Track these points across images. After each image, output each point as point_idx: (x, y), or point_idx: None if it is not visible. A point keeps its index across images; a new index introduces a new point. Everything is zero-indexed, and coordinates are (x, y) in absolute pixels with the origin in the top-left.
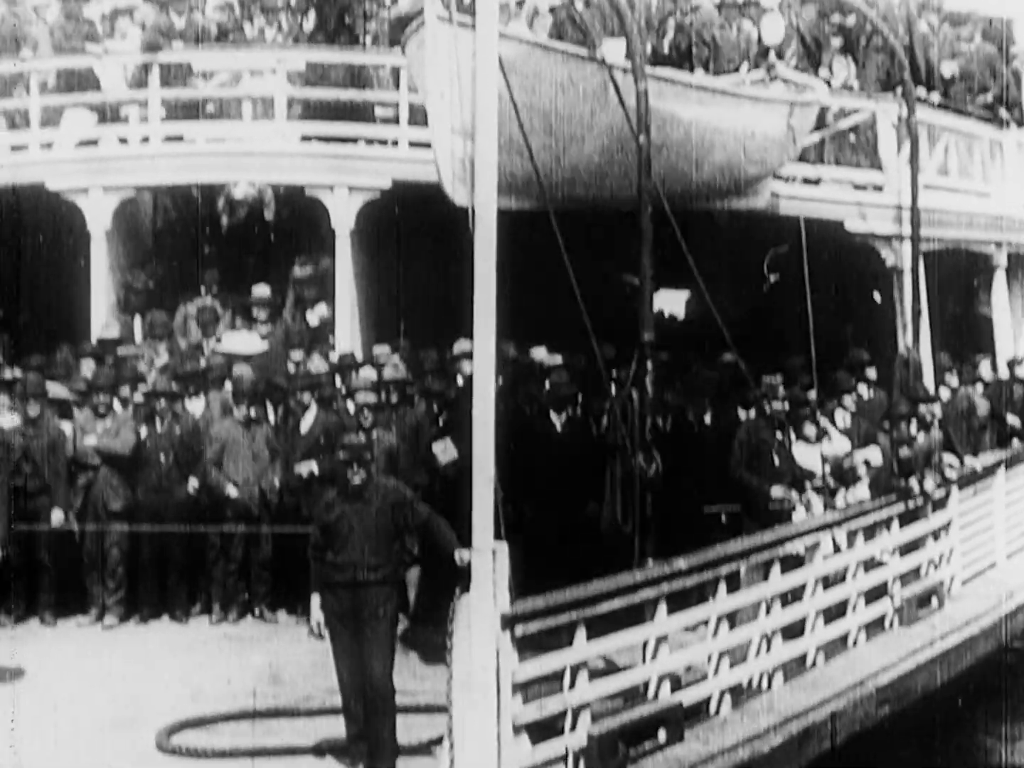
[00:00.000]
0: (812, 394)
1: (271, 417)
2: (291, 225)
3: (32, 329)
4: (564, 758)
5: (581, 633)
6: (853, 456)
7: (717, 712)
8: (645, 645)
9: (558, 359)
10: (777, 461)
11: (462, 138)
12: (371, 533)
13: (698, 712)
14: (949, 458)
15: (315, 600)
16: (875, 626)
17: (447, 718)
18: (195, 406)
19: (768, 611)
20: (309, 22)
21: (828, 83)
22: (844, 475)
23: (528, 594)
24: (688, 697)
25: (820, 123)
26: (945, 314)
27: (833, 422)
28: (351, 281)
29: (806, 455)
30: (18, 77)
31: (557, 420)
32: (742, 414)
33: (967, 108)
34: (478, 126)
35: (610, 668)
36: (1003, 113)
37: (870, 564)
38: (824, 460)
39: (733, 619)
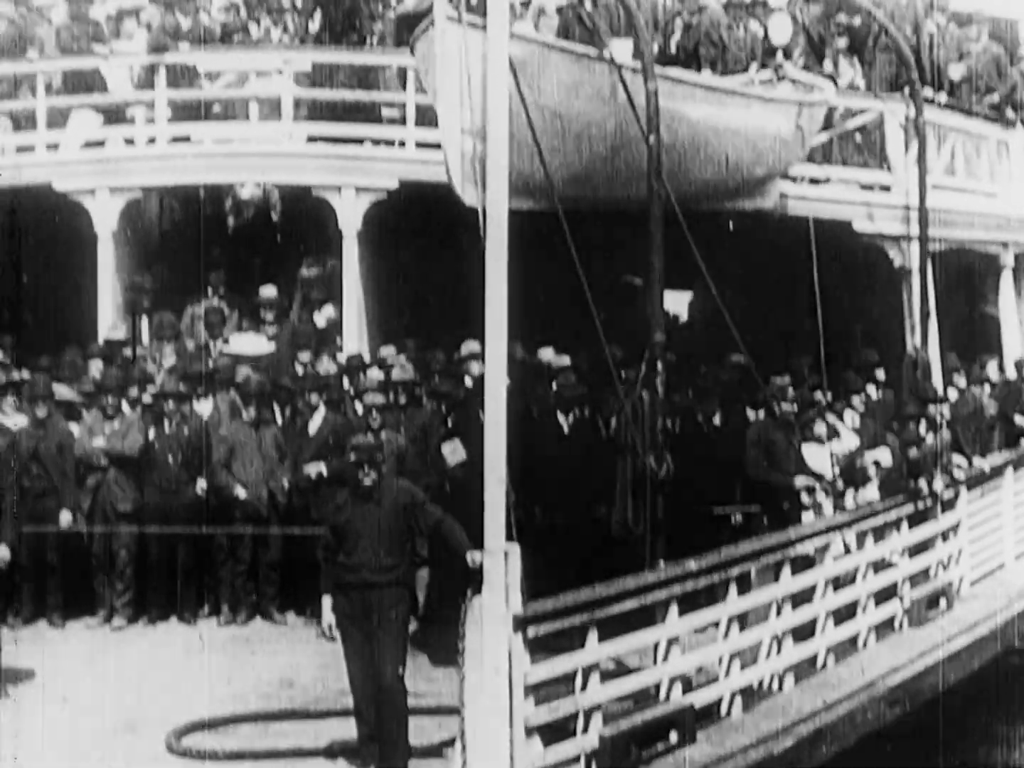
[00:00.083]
0: (819, 395)
1: (279, 418)
2: (298, 226)
3: (38, 330)
4: (576, 760)
5: (593, 635)
6: (863, 457)
7: (728, 714)
8: (656, 647)
9: (566, 360)
10: (789, 459)
11: (472, 138)
12: (382, 534)
13: (709, 714)
14: (957, 459)
15: (326, 602)
16: (884, 627)
17: (459, 720)
18: (203, 407)
19: (779, 612)
20: (315, 23)
21: (834, 81)
22: (854, 476)
23: (536, 596)
24: (699, 699)
25: (827, 123)
26: (952, 314)
27: (842, 422)
28: (358, 282)
29: (815, 456)
30: (24, 78)
31: (565, 421)
32: (751, 415)
33: (974, 108)
34: (489, 126)
35: (620, 670)
36: (1010, 113)
37: (880, 565)
38: (834, 461)
39: (744, 621)
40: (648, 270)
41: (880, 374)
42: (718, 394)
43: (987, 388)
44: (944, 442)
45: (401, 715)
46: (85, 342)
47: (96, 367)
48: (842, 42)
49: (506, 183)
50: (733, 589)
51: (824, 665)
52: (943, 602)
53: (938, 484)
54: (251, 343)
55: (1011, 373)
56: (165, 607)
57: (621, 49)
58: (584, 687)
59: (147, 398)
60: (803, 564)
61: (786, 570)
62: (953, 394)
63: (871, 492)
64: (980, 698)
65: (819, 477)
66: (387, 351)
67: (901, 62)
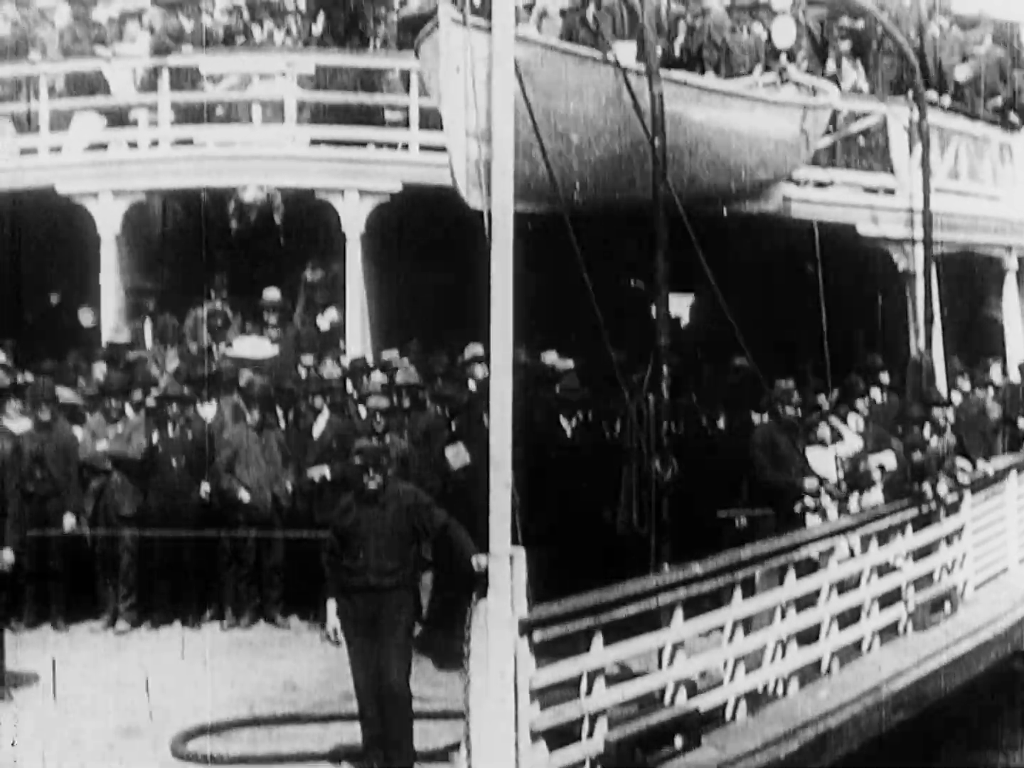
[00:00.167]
0: (822, 398)
1: (282, 422)
2: (301, 229)
3: (41, 333)
4: (581, 764)
5: (598, 639)
6: (866, 460)
7: (733, 718)
8: (661, 651)
9: (569, 363)
10: (794, 463)
11: (476, 141)
12: (388, 538)
13: (714, 718)
14: (961, 462)
15: (331, 606)
16: (888, 631)
17: (464, 724)
18: (207, 411)
19: (783, 616)
20: (318, 25)
21: (838, 84)
22: (857, 479)
23: (540, 600)
24: (704, 703)
25: (831, 126)
26: (955, 318)
27: (846, 425)
28: (361, 285)
29: (819, 459)
30: (27, 80)
31: (568, 425)
32: (755, 418)
33: (977, 111)
34: (495, 129)
35: (624, 674)
36: (1013, 117)
37: (884, 569)
38: (838, 464)
39: (748, 624)
40: (653, 273)
41: (884, 377)
42: (722, 397)
43: (990, 391)
44: (948, 445)
45: (406, 719)
46: (88, 345)
47: (99, 370)
48: (845, 45)
49: (512, 186)
50: (738, 593)
51: (829, 669)
52: (947, 606)
53: (942, 488)
54: (254, 346)
55: (1015, 376)
56: (168, 611)
57: (625, 52)
58: (589, 691)
59: (151, 401)
60: (807, 568)
61: (791, 574)
62: (957, 397)
63: (875, 496)
64: (984, 702)
65: (823, 480)
66: (390, 354)
67: (905, 65)
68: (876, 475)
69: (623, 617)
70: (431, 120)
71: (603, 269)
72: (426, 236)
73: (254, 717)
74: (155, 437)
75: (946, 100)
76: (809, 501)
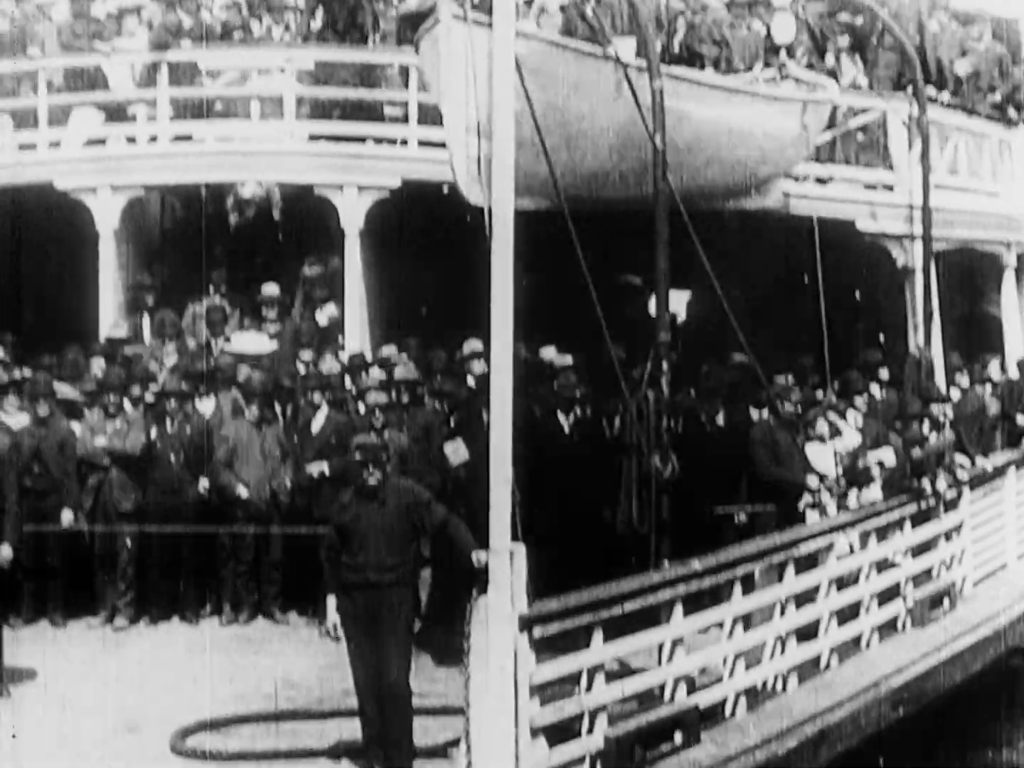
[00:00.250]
0: (820, 393)
1: (281, 418)
2: (300, 224)
3: (40, 329)
4: (581, 761)
5: (598, 635)
6: (865, 456)
7: (733, 714)
8: (660, 647)
9: (568, 359)
10: (794, 459)
11: (477, 137)
12: (387, 534)
13: (714, 715)
14: (960, 458)
15: (331, 602)
16: (887, 627)
17: (464, 720)
18: (205, 406)
19: (783, 613)
20: (317, 21)
21: (836, 80)
22: (857, 475)
23: (536, 596)
24: (704, 699)
25: (831, 122)
26: (954, 314)
27: (845, 421)
28: (360, 281)
29: (819, 455)
30: (26, 76)
31: (565, 421)
32: (754, 414)
33: (976, 107)
34: (495, 125)
35: (623, 670)
36: (1012, 113)
37: (883, 565)
38: (837, 460)
39: (748, 621)
40: (653, 269)
41: (883, 373)
42: (721, 394)
43: (989, 388)
44: (947, 442)
45: (406, 715)
46: (86, 341)
47: (98, 366)
48: (844, 41)
49: (512, 182)
50: (738, 589)
51: (828, 665)
52: (946, 602)
53: (941, 484)
54: (253, 342)
55: (1013, 372)
56: (167, 607)
57: (624, 48)
58: (589, 687)
59: (149, 397)
60: (807, 564)
61: (790, 570)
62: (956, 394)
63: (874, 492)
64: (984, 699)
65: (822, 477)
66: (388, 350)
67: (905, 61)
68: (875, 471)
69: (623, 613)
70: (430, 116)
71: (598, 265)
72: (425, 232)
73: (253, 713)
74: (153, 433)
75: (945, 96)
76: (808, 497)
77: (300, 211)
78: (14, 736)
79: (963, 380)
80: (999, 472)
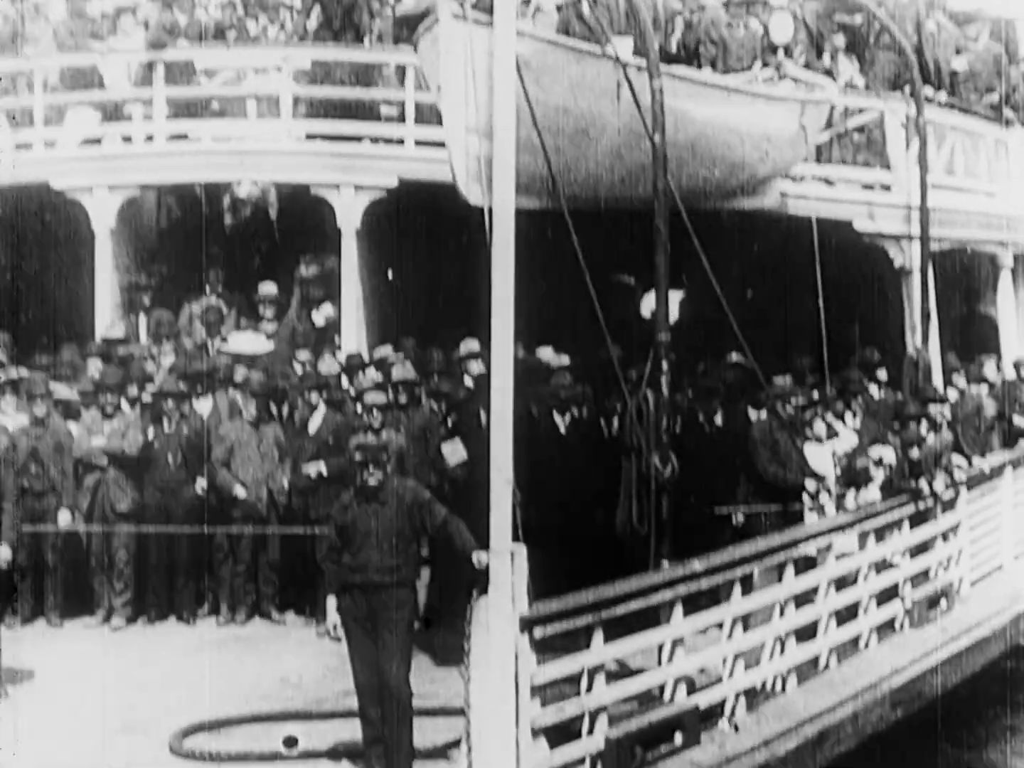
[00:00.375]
0: (816, 394)
1: (278, 418)
2: (296, 224)
3: (36, 329)
4: (581, 762)
5: (598, 635)
6: (862, 457)
7: (732, 715)
8: (660, 648)
9: (564, 360)
10: (793, 459)
11: (477, 136)
12: (388, 534)
13: (713, 715)
14: (957, 459)
15: (331, 602)
16: (885, 628)
17: (464, 721)
18: (203, 406)
19: (782, 613)
20: (313, 20)
21: (833, 78)
22: (855, 476)
23: (535, 598)
24: (703, 700)
25: (828, 122)
26: (950, 314)
27: (843, 422)
28: (357, 281)
29: (816, 456)
30: (21, 75)
31: (561, 421)
32: (752, 414)
33: (973, 108)
34: (496, 125)
35: (623, 671)
36: (1008, 113)
37: (881, 566)
38: (835, 461)
39: (747, 621)
40: (651, 269)
41: (881, 374)
42: (719, 394)
43: (985, 388)
44: (944, 442)
45: (406, 716)
46: (82, 340)
47: (95, 366)
48: (840, 40)
49: (513, 182)
50: (737, 590)
51: (827, 666)
52: (943, 603)
53: (939, 484)
54: (250, 342)
55: (1009, 373)
56: (164, 607)
57: (622, 47)
58: (589, 688)
59: (146, 397)
60: (805, 564)
61: (789, 571)
62: (953, 394)
63: (872, 492)
64: (981, 699)
65: (821, 477)
66: (385, 350)
67: (902, 61)
68: (873, 471)
69: (623, 614)
70: (427, 115)
71: (590, 264)
72: (422, 231)
73: (253, 714)
74: (151, 433)
75: (942, 96)
76: (807, 499)
77: (296, 211)
78: (16, 737)
79: (960, 381)
80: (996, 472)
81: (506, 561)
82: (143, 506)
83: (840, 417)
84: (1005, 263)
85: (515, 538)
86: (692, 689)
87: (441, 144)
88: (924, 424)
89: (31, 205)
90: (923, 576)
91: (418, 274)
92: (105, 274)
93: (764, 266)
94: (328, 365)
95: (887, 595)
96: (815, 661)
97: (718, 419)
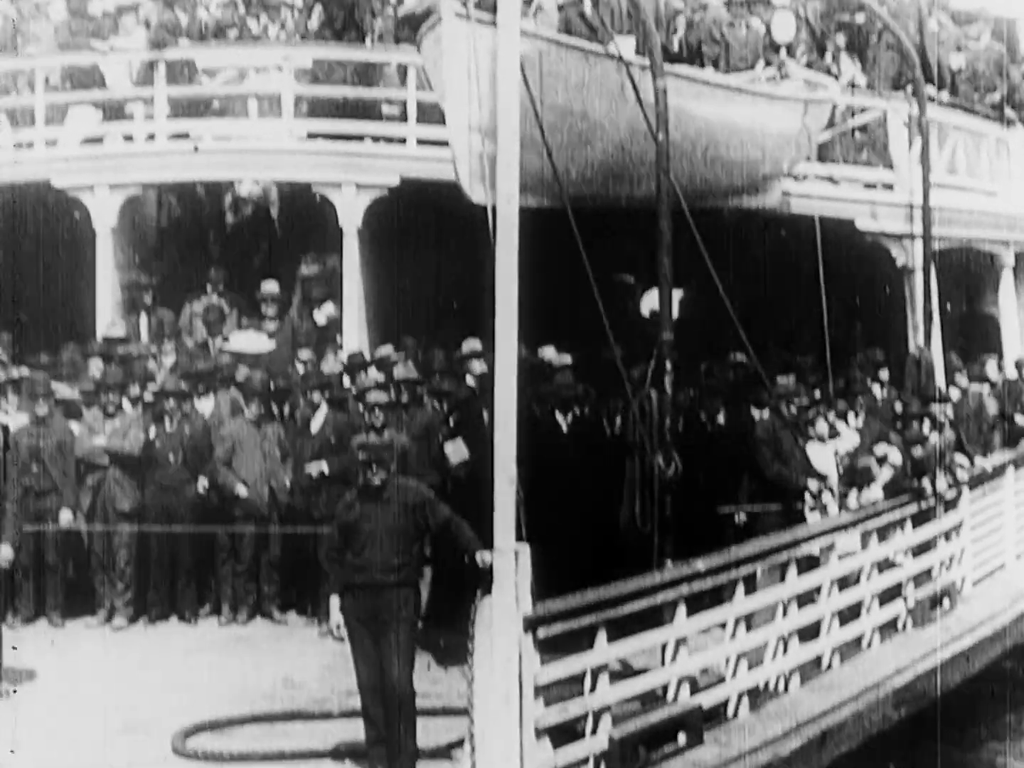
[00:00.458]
0: (818, 393)
1: (280, 417)
2: (298, 223)
3: (37, 328)
4: (585, 762)
5: (602, 635)
6: (865, 456)
7: (735, 715)
8: (663, 647)
9: (567, 359)
10: (796, 459)
11: (480, 135)
12: (392, 534)
13: (716, 715)
14: (960, 458)
15: (334, 602)
16: (887, 627)
17: (468, 721)
18: (204, 406)
19: (785, 613)
20: (315, 19)
21: (835, 78)
22: (857, 476)
23: (536, 597)
24: (707, 700)
25: (830, 121)
26: (952, 314)
27: (845, 421)
28: (359, 280)
29: (819, 455)
30: (22, 74)
31: (563, 420)
32: (755, 413)
33: (975, 107)
34: (500, 124)
35: (625, 671)
36: (1009, 112)
37: (883, 565)
38: (837, 460)
39: (750, 621)
40: (654, 268)
41: (883, 373)
42: (721, 393)
43: (987, 387)
44: (947, 442)
45: (410, 716)
46: (83, 340)
47: (96, 365)
48: (841, 40)
49: (517, 181)
50: (740, 589)
51: (829, 666)
52: (946, 602)
53: (941, 484)
54: (251, 341)
55: (1011, 372)
56: (165, 607)
57: (624, 47)
58: (593, 688)
59: (148, 396)
60: (808, 564)
61: (792, 570)
62: (955, 393)
63: (875, 492)
64: (984, 699)
65: (824, 477)
66: (386, 350)
67: (905, 60)
68: (876, 469)
69: (626, 614)
70: (428, 114)
71: (591, 263)
72: (423, 230)
73: (256, 714)
74: (152, 432)
75: (944, 95)
76: (810, 499)
77: (298, 210)
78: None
79: (962, 380)
80: (998, 472)
81: (510, 560)
82: (145, 506)
83: (843, 417)
84: (1006, 262)
85: (518, 537)
86: (695, 689)
87: (443, 143)
88: (926, 423)
89: (32, 204)
90: (925, 575)
91: (420, 273)
92: (106, 273)
93: (766, 265)
94: (331, 365)
95: (889, 595)
96: (818, 661)
97: (720, 418)
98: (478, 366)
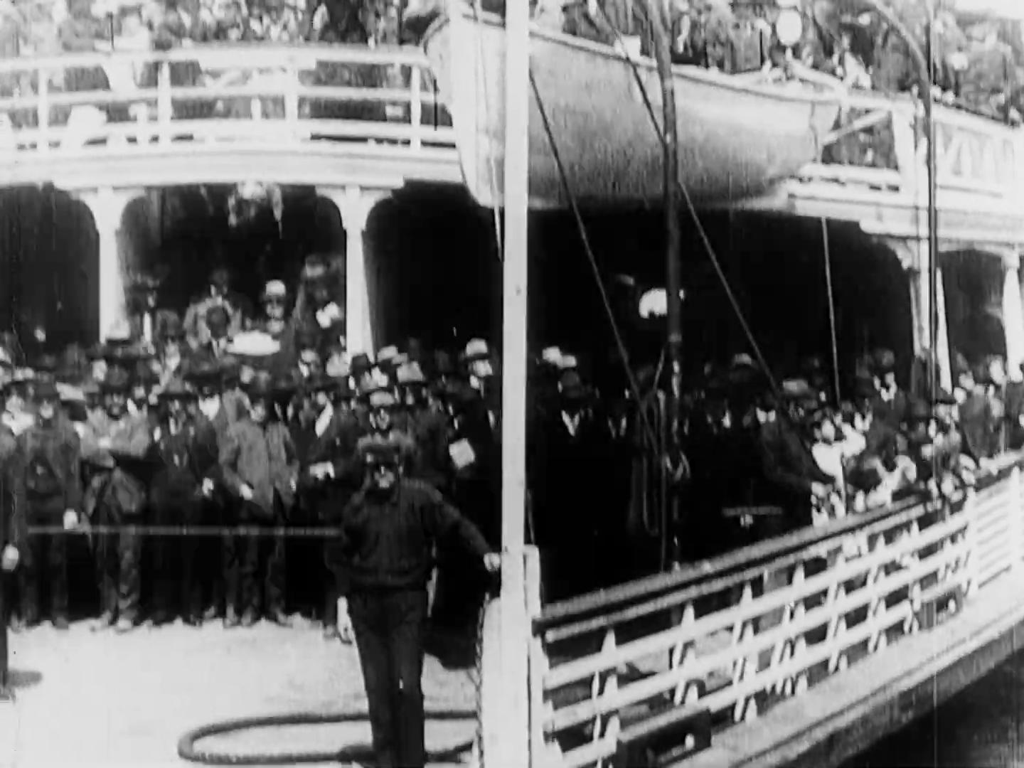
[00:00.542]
0: (824, 395)
1: (284, 419)
2: (301, 225)
3: (40, 329)
4: (593, 765)
5: (610, 638)
6: (870, 459)
7: (743, 718)
8: (671, 650)
9: (571, 361)
10: (802, 462)
11: (487, 137)
12: (400, 536)
13: (724, 718)
14: (966, 460)
15: (342, 605)
16: (893, 630)
17: (476, 725)
18: (209, 408)
19: (792, 615)
20: (319, 20)
21: (840, 79)
22: (862, 479)
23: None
24: (714, 703)
25: (836, 123)
26: (956, 315)
27: (852, 424)
28: (362, 282)
29: (826, 458)
30: (25, 75)
31: (570, 423)
32: (761, 416)
33: (980, 108)
34: (508, 125)
35: (632, 674)
36: (1014, 113)
37: (890, 567)
38: (843, 463)
39: (757, 624)
40: (664, 269)
41: (889, 375)
42: (727, 395)
43: (992, 389)
44: (953, 443)
45: (418, 719)
46: (87, 341)
47: (100, 367)
48: (846, 41)
49: (525, 182)
50: (748, 592)
51: (836, 669)
52: (952, 605)
53: (947, 486)
54: (255, 343)
55: (1016, 374)
56: (170, 609)
57: (630, 48)
58: (601, 691)
59: (153, 398)
60: (815, 567)
61: (799, 573)
62: (960, 395)
63: (882, 495)
64: (991, 701)
65: (830, 479)
66: (389, 352)
67: (911, 61)
68: (882, 472)
69: (634, 617)
70: (432, 116)
71: (593, 265)
72: (428, 232)
73: (263, 717)
74: (157, 434)
75: (950, 97)
76: (817, 501)
77: (302, 211)
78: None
79: (968, 382)
80: (1003, 474)
81: (519, 564)
82: (149, 508)
83: (849, 419)
84: (1011, 264)
85: (527, 540)
86: (703, 692)
87: (447, 145)
88: (932, 425)
89: (36, 205)
90: (931, 578)
91: (423, 275)
92: (110, 275)
93: (771, 267)
94: (337, 367)
95: (896, 597)
96: (825, 663)
97: (726, 421)
98: (483, 368)
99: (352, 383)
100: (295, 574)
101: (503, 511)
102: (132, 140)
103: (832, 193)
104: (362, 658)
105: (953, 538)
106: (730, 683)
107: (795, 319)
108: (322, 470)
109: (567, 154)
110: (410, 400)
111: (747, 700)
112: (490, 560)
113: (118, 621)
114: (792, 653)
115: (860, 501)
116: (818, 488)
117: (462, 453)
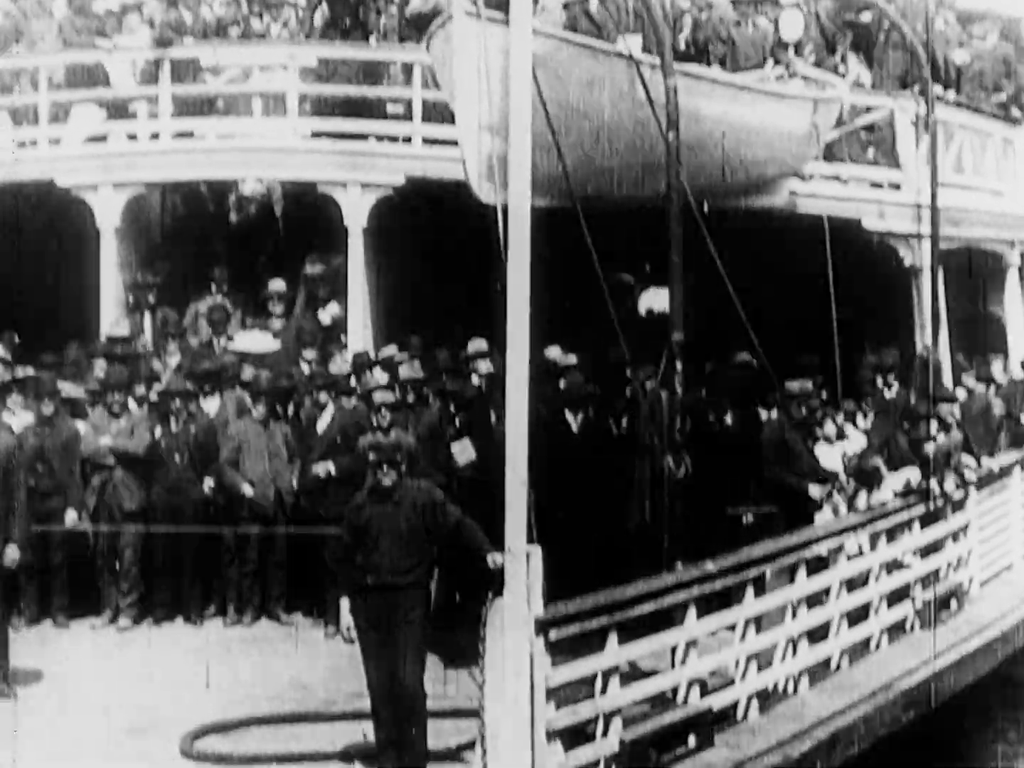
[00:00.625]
0: (825, 394)
1: (285, 417)
2: (302, 222)
3: (40, 327)
4: (596, 764)
5: (613, 637)
6: (871, 458)
7: (745, 717)
8: (673, 649)
9: (572, 359)
10: (803, 461)
11: (490, 134)
12: (402, 535)
13: (726, 717)
14: (967, 459)
15: (344, 604)
16: (895, 629)
17: (479, 724)
18: (210, 405)
19: (794, 614)
20: (319, 17)
21: (842, 77)
22: (864, 477)
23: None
24: (716, 702)
25: (838, 121)
26: (957, 314)
27: (853, 422)
28: (364, 279)
29: (827, 455)
30: (26, 72)
31: (573, 421)
32: (763, 414)
33: (981, 106)
34: (512, 122)
35: (635, 673)
36: (1016, 112)
37: (892, 566)
38: (844, 462)
39: (759, 623)
40: (667, 268)
41: (891, 374)
42: (729, 393)
43: (993, 388)
44: (954, 442)
45: (421, 718)
46: (87, 339)
47: (100, 365)
48: (848, 38)
49: (528, 180)
50: (750, 591)
51: (838, 667)
52: (953, 603)
53: (949, 484)
54: (256, 341)
55: (1017, 373)
56: (171, 607)
57: (632, 45)
58: (604, 690)
59: (153, 396)
60: (817, 565)
61: (801, 572)
62: (962, 394)
63: (884, 494)
64: (992, 700)
65: (832, 477)
66: (390, 350)
67: (913, 59)
68: (884, 470)
69: (637, 616)
70: (434, 113)
71: (591, 263)
72: (429, 230)
73: (265, 716)
74: (158, 432)
75: (951, 94)
76: (817, 499)
77: (303, 209)
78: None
79: (969, 380)
80: (1005, 472)
81: (522, 562)
82: (150, 506)
83: (851, 417)
84: (1012, 262)
85: (530, 539)
86: (705, 691)
87: (448, 142)
88: (934, 424)
89: (36, 203)
90: (933, 577)
91: (424, 272)
92: (110, 272)
93: (773, 265)
94: (338, 365)
95: (897, 596)
96: (827, 662)
97: (728, 419)
98: (484, 366)
99: (353, 381)
100: (296, 572)
101: (506, 510)
102: (132, 137)
103: (834, 191)
104: (364, 657)
105: (955, 537)
106: (732, 682)
107: (796, 317)
108: (323, 468)
109: (569, 151)
110: (411, 398)
111: (749, 699)
112: (492, 559)
113: (119, 619)
114: (794, 652)
115: (862, 500)
116: (814, 489)
117: (463, 451)
